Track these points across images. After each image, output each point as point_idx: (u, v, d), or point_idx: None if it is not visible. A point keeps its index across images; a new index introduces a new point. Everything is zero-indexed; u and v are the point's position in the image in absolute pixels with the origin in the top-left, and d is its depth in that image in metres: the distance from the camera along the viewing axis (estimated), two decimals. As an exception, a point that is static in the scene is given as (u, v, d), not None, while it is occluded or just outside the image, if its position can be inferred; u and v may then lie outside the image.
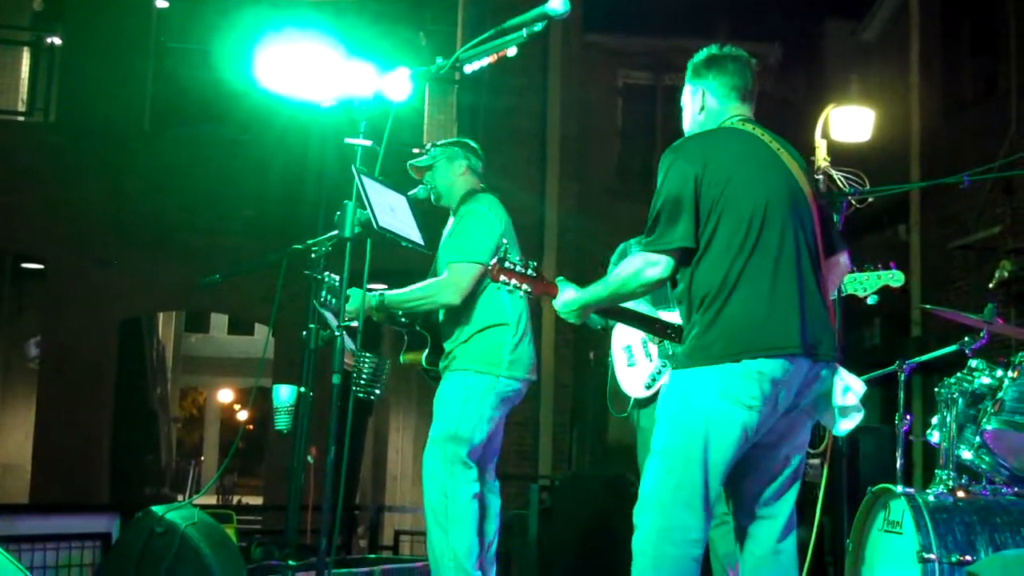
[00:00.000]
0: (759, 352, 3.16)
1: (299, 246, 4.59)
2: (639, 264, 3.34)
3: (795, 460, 3.38)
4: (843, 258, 3.64)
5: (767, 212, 3.29)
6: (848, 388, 3.28)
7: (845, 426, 3.29)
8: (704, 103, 3.60)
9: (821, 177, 6.29)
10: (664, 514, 3.22)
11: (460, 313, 4.76)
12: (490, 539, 4.79)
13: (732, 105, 3.58)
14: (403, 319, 4.89)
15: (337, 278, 4.44)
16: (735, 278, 3.23)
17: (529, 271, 3.58)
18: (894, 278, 5.03)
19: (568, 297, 3.56)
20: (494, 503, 4.85)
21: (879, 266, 5.00)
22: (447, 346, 4.81)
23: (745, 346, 3.18)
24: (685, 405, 3.26)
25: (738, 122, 3.53)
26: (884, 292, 5.05)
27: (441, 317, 4.86)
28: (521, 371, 4.76)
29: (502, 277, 3.55)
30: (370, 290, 4.53)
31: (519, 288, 3.58)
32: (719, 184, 3.29)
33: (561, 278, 3.62)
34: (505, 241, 4.47)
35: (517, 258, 3.70)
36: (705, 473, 3.20)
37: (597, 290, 3.49)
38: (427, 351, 4.87)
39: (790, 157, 3.46)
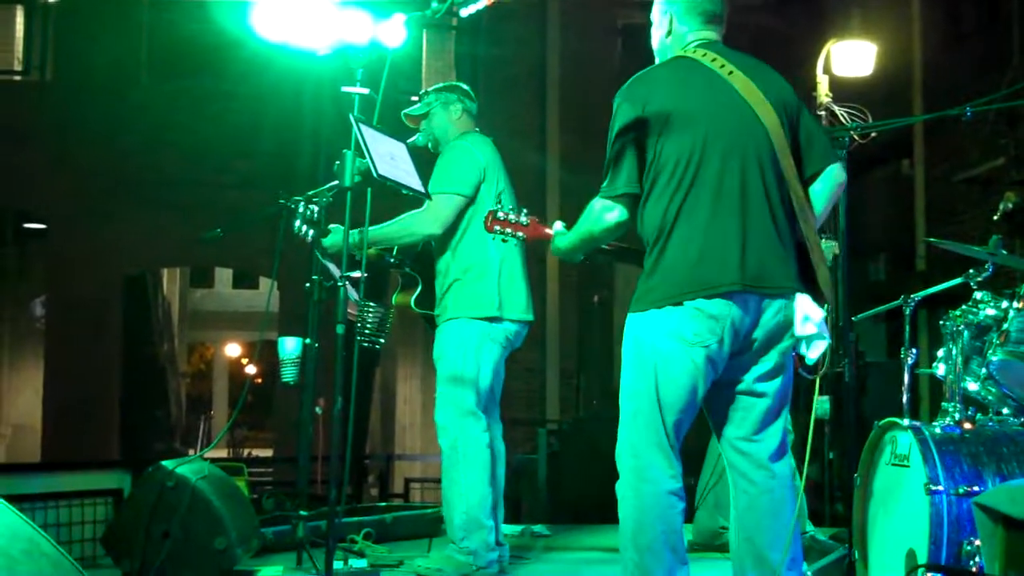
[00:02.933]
0: (695, 293, 3.19)
1: (299, 197, 4.57)
2: (599, 210, 3.37)
3: (772, 391, 3.35)
4: (830, 172, 3.46)
5: (706, 148, 3.26)
6: (808, 317, 3.24)
7: (812, 354, 3.27)
8: (671, 27, 3.53)
9: (824, 113, 6.26)
10: (637, 455, 3.27)
11: (445, 254, 4.73)
12: (499, 484, 4.81)
13: (696, 30, 3.49)
14: (391, 259, 4.85)
15: (315, 209, 4.43)
16: (672, 219, 3.25)
17: (522, 218, 3.58)
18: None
19: (554, 242, 3.58)
20: (500, 448, 4.86)
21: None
22: (437, 290, 4.78)
23: (681, 288, 3.20)
24: (637, 348, 3.31)
25: (694, 48, 3.45)
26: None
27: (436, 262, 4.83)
28: (515, 312, 4.74)
29: (496, 227, 3.56)
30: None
31: (514, 236, 3.59)
32: (658, 124, 3.28)
33: (558, 221, 3.61)
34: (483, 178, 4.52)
35: (510, 207, 3.69)
36: (661, 411, 3.24)
37: (572, 236, 3.50)
38: (417, 293, 4.84)
39: (748, 83, 3.36)
